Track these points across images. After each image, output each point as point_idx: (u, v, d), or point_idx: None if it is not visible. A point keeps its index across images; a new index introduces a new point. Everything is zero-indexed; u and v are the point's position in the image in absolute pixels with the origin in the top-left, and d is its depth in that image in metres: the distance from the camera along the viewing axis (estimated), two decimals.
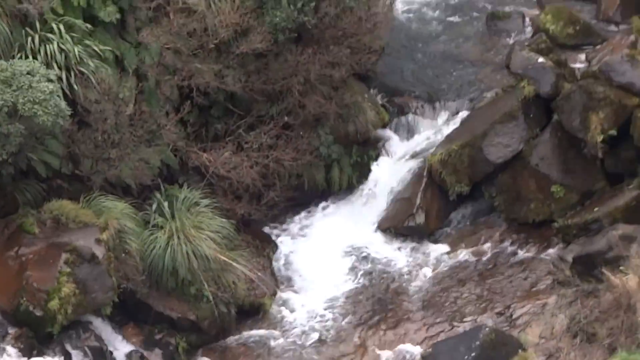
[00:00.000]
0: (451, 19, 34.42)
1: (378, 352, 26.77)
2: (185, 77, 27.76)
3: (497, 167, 29.16)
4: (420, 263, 29.05)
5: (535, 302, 26.79)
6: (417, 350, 26.24)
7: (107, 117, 26.53)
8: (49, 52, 25.98)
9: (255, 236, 29.83)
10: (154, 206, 27.78)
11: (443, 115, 31.40)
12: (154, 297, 26.99)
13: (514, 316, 26.71)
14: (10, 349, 23.58)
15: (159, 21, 27.56)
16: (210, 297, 26.78)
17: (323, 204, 30.97)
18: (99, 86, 26.27)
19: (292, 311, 28.03)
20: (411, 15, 34.56)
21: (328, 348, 27.11)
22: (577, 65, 30.24)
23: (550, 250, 28.42)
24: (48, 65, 25.60)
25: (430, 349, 24.84)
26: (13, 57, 25.63)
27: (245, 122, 29.20)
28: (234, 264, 27.22)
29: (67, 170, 26.97)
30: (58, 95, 24.93)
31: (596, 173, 28.42)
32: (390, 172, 30.90)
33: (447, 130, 30.75)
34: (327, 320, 27.79)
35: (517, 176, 29.14)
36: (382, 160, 30.98)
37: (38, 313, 23.68)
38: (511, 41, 32.37)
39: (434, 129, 31.26)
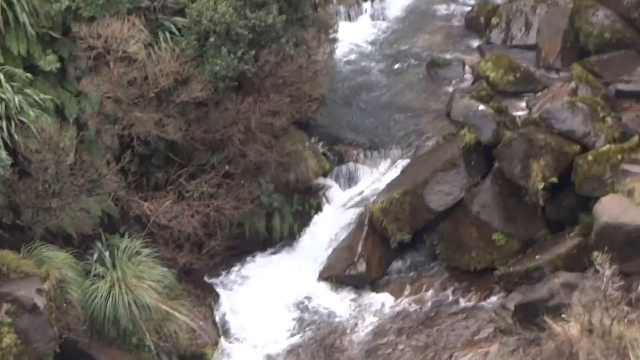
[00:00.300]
0: (392, 66, 34.76)
1: None
2: (125, 126, 27.77)
3: (439, 215, 29.47)
4: (363, 312, 29.24)
5: (478, 351, 27.03)
6: None
7: (48, 167, 26.50)
8: None
9: (196, 285, 29.95)
10: (95, 256, 27.71)
11: (384, 164, 31.71)
12: (96, 347, 26.99)
13: None
14: None
15: (99, 70, 27.58)
16: (152, 347, 26.86)
17: (264, 252, 31.06)
18: (39, 135, 26.29)
19: None
20: (352, 63, 34.91)
21: None
22: (518, 112, 30.71)
23: (492, 299, 28.73)
24: None
25: None
26: None
27: (186, 170, 29.31)
28: (176, 313, 27.25)
29: (7, 220, 26.94)
30: None
31: (537, 221, 28.89)
32: (332, 220, 31.08)
33: (388, 178, 31.04)
34: None
35: (458, 224, 29.52)
36: (324, 208, 31.20)
37: None
38: (451, 89, 32.72)
39: (374, 177, 31.55)
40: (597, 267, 24.57)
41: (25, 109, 26.38)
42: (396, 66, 34.66)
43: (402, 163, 31.17)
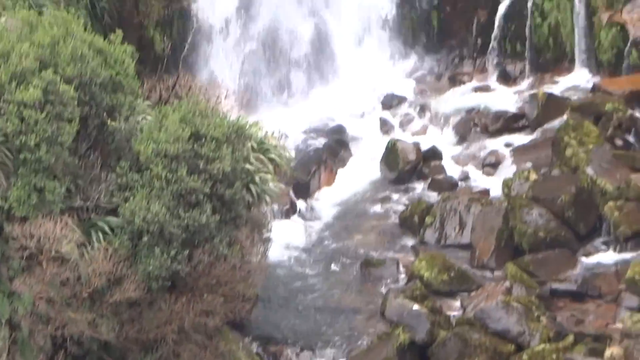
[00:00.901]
0: (326, 266, 35.21)
1: None
2: (58, 326, 27.71)
3: None
4: None
5: None
6: None
7: None
8: None
9: None
10: None
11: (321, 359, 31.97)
12: None
13: None
14: None
15: (32, 270, 27.67)
16: None
17: None
18: None
19: None
20: (287, 262, 35.33)
21: None
22: (453, 312, 31.54)
23: None
24: None
25: None
26: None
27: None
28: None
29: None
30: None
31: None
32: None
33: None
34: None
35: None
36: None
37: None
38: (386, 288, 33.23)
39: None
40: None
41: None
42: (330, 265, 35.11)
43: None
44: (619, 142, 35.73)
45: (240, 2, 39.16)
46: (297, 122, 38.48)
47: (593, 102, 37.45)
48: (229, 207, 29.51)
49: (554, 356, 29.32)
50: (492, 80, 40.75)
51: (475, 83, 40.64)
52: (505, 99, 39.75)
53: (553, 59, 40.43)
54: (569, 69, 40.21)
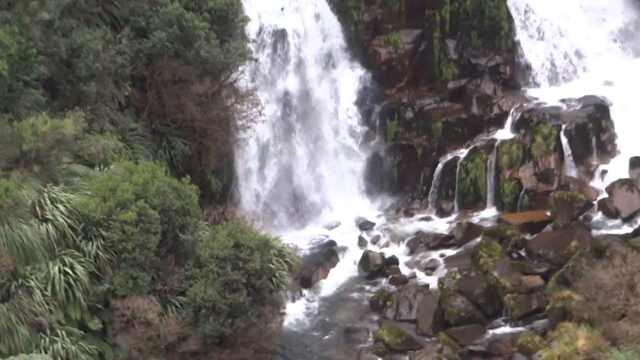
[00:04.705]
0: (321, 332, 34.48)
1: None
2: None
3: None
4: None
5: None
6: None
7: None
8: (55, 349, 26.45)
9: None
10: None
11: None
12: None
13: None
14: None
15: (128, 329, 27.73)
16: None
17: None
18: None
19: None
20: (295, 329, 34.44)
21: None
22: None
23: None
24: (54, 358, 26.06)
25: None
26: (32, 352, 25.95)
27: None
28: None
29: None
30: None
31: None
32: None
33: None
34: None
35: None
36: None
37: None
38: (359, 347, 32.70)
39: None
40: None
41: (79, 355, 26.91)
42: (324, 331, 34.49)
43: None
44: (514, 256, 35.66)
45: (260, 162, 38.79)
46: (304, 238, 38.24)
47: (498, 229, 37.38)
48: (258, 292, 29.52)
49: None
50: (432, 213, 40.29)
51: (421, 215, 40.19)
52: (441, 226, 39.44)
53: (473, 200, 39.90)
54: (483, 207, 39.77)
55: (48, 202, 28.34)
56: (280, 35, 39.31)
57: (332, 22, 40.18)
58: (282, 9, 39.43)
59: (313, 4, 40.02)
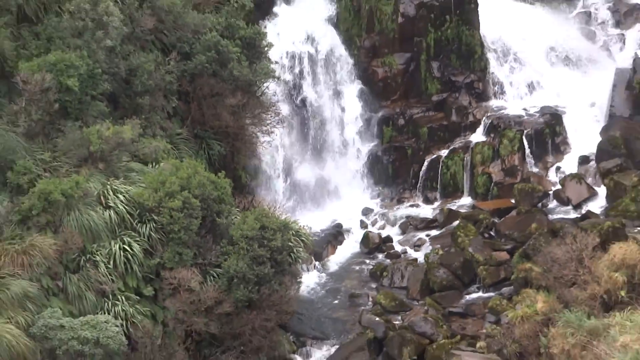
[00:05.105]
0: (330, 297, 34.37)
1: None
2: (188, 325, 27.95)
3: None
4: None
5: None
6: None
7: (147, 345, 26.59)
8: (116, 311, 26.53)
9: None
10: None
11: (325, 348, 31.45)
12: None
13: None
14: None
15: (175, 295, 27.89)
16: None
17: None
18: (142, 329, 26.75)
19: None
20: (309, 295, 34.22)
21: None
22: (396, 322, 31.40)
23: None
24: (116, 318, 26.18)
25: None
26: (97, 313, 26.18)
27: (221, 350, 29.02)
28: None
29: None
30: (120, 334, 25.59)
31: None
32: None
33: (329, 353, 31.05)
34: None
35: None
36: None
37: None
38: (361, 309, 32.73)
39: (319, 355, 31.31)
40: None
41: (136, 316, 26.98)
42: (332, 296, 34.51)
43: (335, 347, 31.17)
44: (486, 235, 35.47)
45: (285, 164, 38.51)
46: (316, 221, 37.80)
47: (473, 214, 37.22)
48: (279, 265, 29.50)
49: (449, 347, 29.27)
50: (420, 201, 39.97)
51: (410, 202, 39.91)
52: (426, 211, 39.18)
53: (452, 191, 39.59)
54: (460, 196, 39.47)
55: (110, 192, 28.32)
56: (300, 58, 39.02)
57: (340, 48, 40.00)
58: (307, 37, 39.39)
59: (326, 34, 39.85)
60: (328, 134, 39.63)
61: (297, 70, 39.14)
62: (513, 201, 37.19)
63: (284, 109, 37.78)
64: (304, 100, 39.28)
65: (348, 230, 38.37)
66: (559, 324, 25.70)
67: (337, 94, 39.78)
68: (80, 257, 27.12)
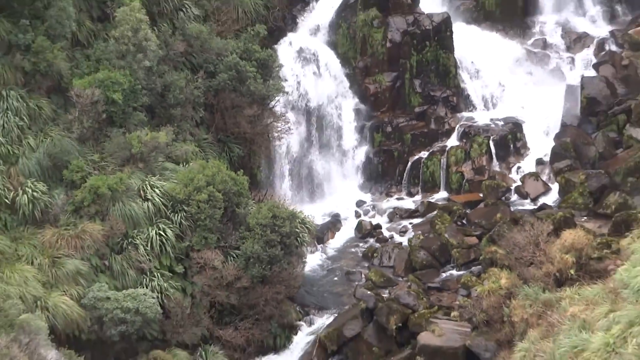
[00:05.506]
0: (329, 274, 33.93)
1: None
2: (212, 297, 28.08)
3: (350, 339, 29.53)
4: None
5: None
6: None
7: (178, 314, 26.79)
8: (152, 285, 26.74)
9: None
10: (198, 354, 27.43)
11: (326, 316, 31.00)
12: None
13: None
14: None
15: (201, 272, 27.98)
16: None
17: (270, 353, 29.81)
18: (174, 300, 27.01)
19: None
20: (312, 272, 33.71)
21: None
22: (384, 295, 31.03)
23: None
24: (152, 291, 26.51)
25: None
26: (136, 288, 26.53)
27: (239, 318, 29.11)
28: None
29: (159, 335, 26.67)
30: (156, 304, 26.11)
31: (393, 342, 29.13)
32: (303, 343, 30.27)
33: (327, 321, 30.62)
34: None
35: (359, 343, 29.44)
36: (298, 334, 30.52)
37: None
38: (356, 284, 32.38)
39: (324, 321, 30.79)
40: None
41: (169, 289, 27.23)
42: (331, 274, 34.11)
43: (334, 316, 30.84)
44: (459, 223, 35.16)
45: (290, 161, 37.84)
46: (319, 212, 37.46)
47: (448, 205, 36.82)
48: (288, 247, 29.48)
49: (428, 315, 29.02)
50: (404, 195, 39.32)
51: (397, 196, 39.26)
52: (410, 203, 38.60)
53: (431, 186, 38.89)
54: (438, 191, 38.84)
55: (148, 187, 28.47)
56: (304, 75, 38.69)
57: (337, 68, 39.75)
58: (311, 58, 38.97)
59: (326, 55, 39.48)
60: (329, 139, 39.33)
61: (303, 85, 38.75)
62: (481, 195, 36.93)
63: (293, 118, 37.47)
64: (309, 111, 38.86)
65: (345, 219, 37.98)
66: (519, 297, 25.66)
67: (337, 107, 39.54)
68: (123, 240, 27.28)
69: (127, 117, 29.64)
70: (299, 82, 38.70)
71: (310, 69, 39.01)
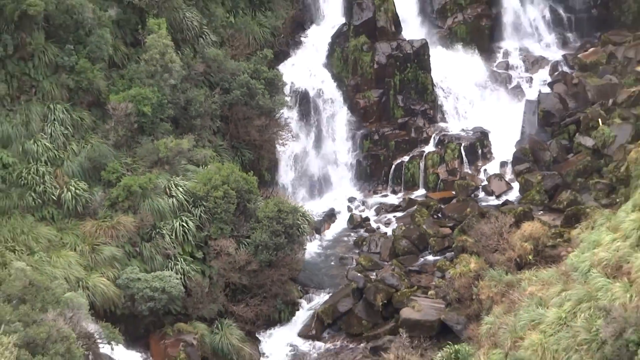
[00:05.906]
0: (326, 259, 33.39)
1: None
2: (227, 278, 27.69)
3: (343, 313, 29.18)
4: None
5: None
6: None
7: (198, 292, 26.27)
8: (176, 268, 26.54)
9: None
10: (215, 326, 27.10)
11: (324, 294, 30.90)
12: None
13: None
14: None
15: (217, 257, 27.67)
16: None
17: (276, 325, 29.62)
18: (195, 281, 26.77)
19: None
20: (311, 258, 33.15)
21: None
22: (372, 276, 30.72)
23: (361, 345, 28.08)
24: (176, 273, 26.32)
25: None
26: (162, 270, 26.29)
27: (250, 296, 28.65)
28: None
29: (181, 309, 26.26)
30: (179, 284, 25.96)
31: (379, 316, 29.06)
32: (303, 317, 29.94)
33: (325, 298, 30.30)
34: None
35: (350, 317, 29.19)
36: (299, 309, 30.23)
37: None
38: (348, 267, 32.13)
39: (318, 300, 30.54)
40: (401, 334, 25.09)
41: (190, 272, 26.95)
42: (327, 259, 33.67)
43: (330, 294, 30.58)
44: (435, 216, 34.84)
45: (292, 164, 37.40)
46: (317, 206, 36.80)
47: (425, 201, 36.47)
48: (290, 237, 29.18)
49: (409, 294, 28.83)
50: (389, 192, 38.67)
51: (383, 193, 38.59)
52: (394, 200, 38.09)
53: (411, 185, 38.36)
54: (417, 189, 38.34)
55: (173, 186, 28.40)
56: (304, 92, 38.34)
57: (332, 85, 39.41)
58: (309, 76, 38.62)
59: (323, 74, 39.11)
60: (325, 145, 38.98)
61: (304, 100, 38.45)
62: (454, 193, 36.65)
63: (295, 128, 37.16)
64: (309, 122, 38.58)
65: (339, 213, 37.55)
66: (485, 278, 25.60)
67: (332, 117, 39.28)
68: (151, 230, 27.24)
69: (155, 126, 29.64)
70: (301, 97, 38.32)
71: (310, 84, 38.58)
